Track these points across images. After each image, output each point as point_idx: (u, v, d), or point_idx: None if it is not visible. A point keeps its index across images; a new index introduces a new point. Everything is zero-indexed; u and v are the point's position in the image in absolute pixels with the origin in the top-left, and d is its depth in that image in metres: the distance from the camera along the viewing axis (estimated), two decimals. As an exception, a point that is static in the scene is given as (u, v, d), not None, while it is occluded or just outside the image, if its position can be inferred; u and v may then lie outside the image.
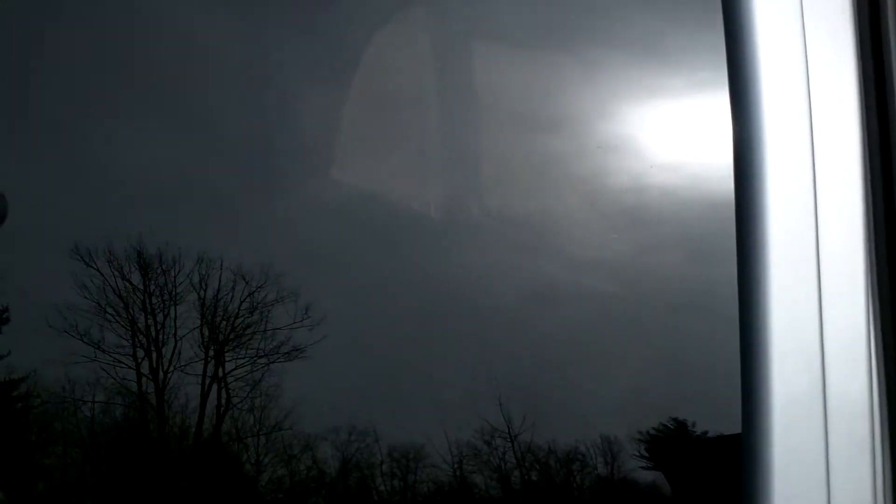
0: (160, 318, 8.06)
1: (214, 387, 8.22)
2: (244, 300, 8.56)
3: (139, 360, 8.00)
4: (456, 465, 9.91)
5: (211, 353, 8.06)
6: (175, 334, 8.16)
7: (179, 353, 8.12)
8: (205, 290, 8.57)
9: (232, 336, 8.15)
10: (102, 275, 8.62)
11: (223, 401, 8.20)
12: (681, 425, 8.42)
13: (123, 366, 8.12)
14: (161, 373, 8.01)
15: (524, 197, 3.70)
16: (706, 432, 8.56)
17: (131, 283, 8.27)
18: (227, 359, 8.16)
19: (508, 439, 9.01)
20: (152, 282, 8.05)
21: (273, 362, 8.61)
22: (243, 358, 8.29)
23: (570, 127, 3.75)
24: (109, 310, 8.51)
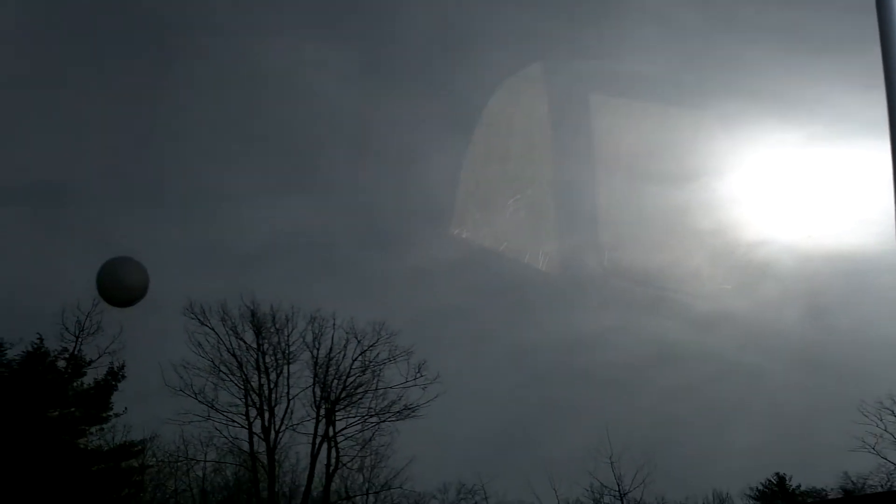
0: (273, 376, 8.20)
1: (325, 446, 8.29)
2: (356, 359, 8.69)
3: (251, 420, 8.14)
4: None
5: (322, 412, 8.15)
6: (288, 393, 8.28)
7: (292, 413, 8.24)
8: (317, 349, 8.71)
9: (343, 395, 8.24)
10: (217, 333, 8.83)
11: (333, 460, 8.28)
12: (781, 479, 8.28)
13: (236, 425, 8.27)
14: (273, 432, 8.12)
15: (646, 252, 3.74)
16: (799, 486, 8.38)
17: (245, 342, 8.45)
18: (337, 418, 8.25)
19: (618, 497, 8.94)
20: (266, 340, 8.22)
21: (384, 421, 8.70)
22: (354, 417, 8.39)
23: (695, 180, 3.79)
24: (223, 368, 8.68)
